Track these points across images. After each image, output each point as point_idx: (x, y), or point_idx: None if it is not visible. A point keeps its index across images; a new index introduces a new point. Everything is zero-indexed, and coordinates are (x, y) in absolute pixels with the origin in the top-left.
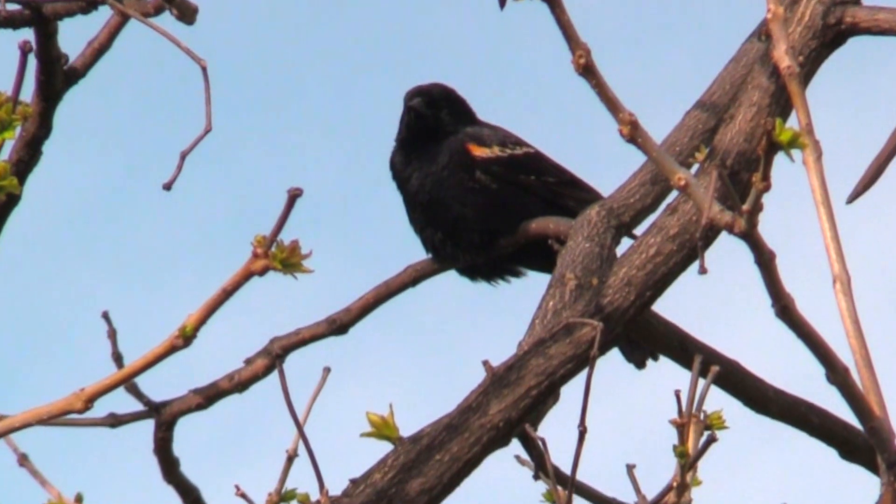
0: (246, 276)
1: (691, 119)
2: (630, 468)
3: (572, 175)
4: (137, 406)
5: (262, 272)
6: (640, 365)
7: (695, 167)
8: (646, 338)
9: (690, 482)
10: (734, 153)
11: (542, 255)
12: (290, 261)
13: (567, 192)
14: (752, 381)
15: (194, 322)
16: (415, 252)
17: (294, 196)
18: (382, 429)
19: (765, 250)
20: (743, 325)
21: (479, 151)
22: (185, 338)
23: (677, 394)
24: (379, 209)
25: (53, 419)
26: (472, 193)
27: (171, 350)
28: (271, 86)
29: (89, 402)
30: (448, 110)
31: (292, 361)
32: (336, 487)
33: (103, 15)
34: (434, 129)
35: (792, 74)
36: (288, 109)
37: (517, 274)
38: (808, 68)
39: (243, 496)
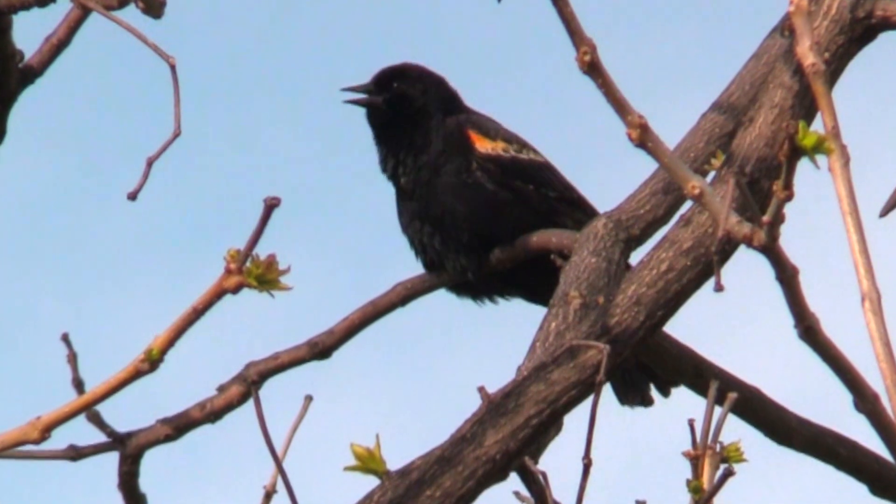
0: (218, 294)
1: (707, 122)
2: None
3: (579, 195)
4: (100, 437)
5: (236, 290)
6: (644, 402)
7: (711, 174)
8: (657, 362)
9: None
10: (754, 159)
11: (543, 272)
12: (266, 277)
13: (567, 211)
14: (773, 409)
15: (161, 344)
16: (405, 264)
17: (271, 206)
18: (368, 462)
19: (787, 265)
20: (763, 347)
21: (482, 143)
22: (151, 361)
23: (691, 423)
24: (364, 215)
25: (7, 451)
26: (466, 188)
27: (136, 375)
28: (244, 82)
29: (46, 431)
30: (417, 90)
31: (270, 388)
32: None
33: (62, 8)
34: (394, 113)
35: (817, 73)
36: (262, 107)
37: (505, 294)
38: (835, 66)
39: None
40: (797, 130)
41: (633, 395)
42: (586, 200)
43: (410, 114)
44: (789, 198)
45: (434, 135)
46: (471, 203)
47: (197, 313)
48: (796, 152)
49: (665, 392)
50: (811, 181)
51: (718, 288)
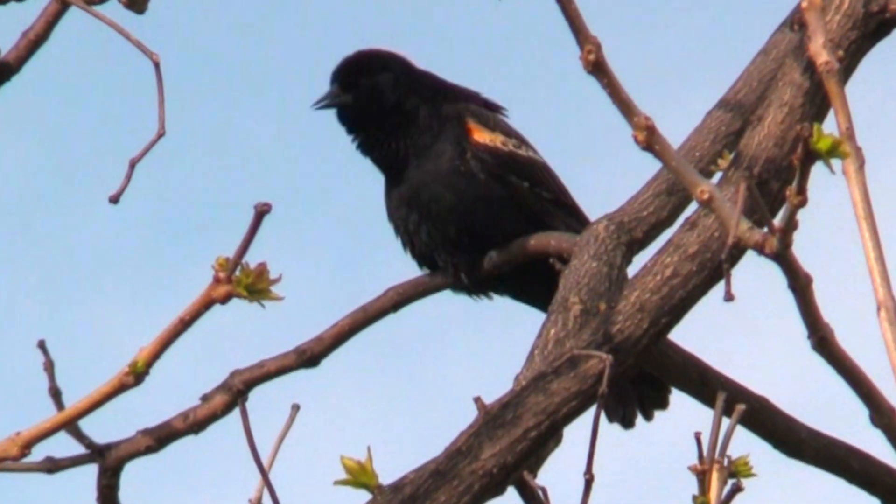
0: (206, 305)
1: (713, 120)
2: None
3: (574, 202)
4: (78, 448)
5: (225, 300)
6: (628, 424)
7: (717, 175)
8: (661, 371)
9: None
10: (762, 160)
11: (542, 277)
12: (256, 287)
13: (559, 215)
14: (782, 420)
15: (146, 357)
16: (397, 269)
17: (262, 212)
18: (359, 475)
19: (800, 274)
20: (773, 357)
21: (480, 134)
22: (136, 375)
23: (698, 436)
24: (355, 217)
25: None
26: (457, 176)
27: (121, 389)
28: (230, 81)
29: (26, 447)
30: (387, 80)
31: (256, 397)
32: None
33: (40, 2)
34: (368, 107)
35: (830, 71)
36: (248, 107)
37: (502, 294)
38: (848, 63)
39: None
40: (812, 133)
41: (619, 411)
42: (580, 209)
43: (391, 103)
44: (803, 203)
45: (429, 120)
46: (459, 193)
47: (184, 324)
48: (810, 156)
49: (648, 416)
50: (823, 184)
51: (729, 297)
